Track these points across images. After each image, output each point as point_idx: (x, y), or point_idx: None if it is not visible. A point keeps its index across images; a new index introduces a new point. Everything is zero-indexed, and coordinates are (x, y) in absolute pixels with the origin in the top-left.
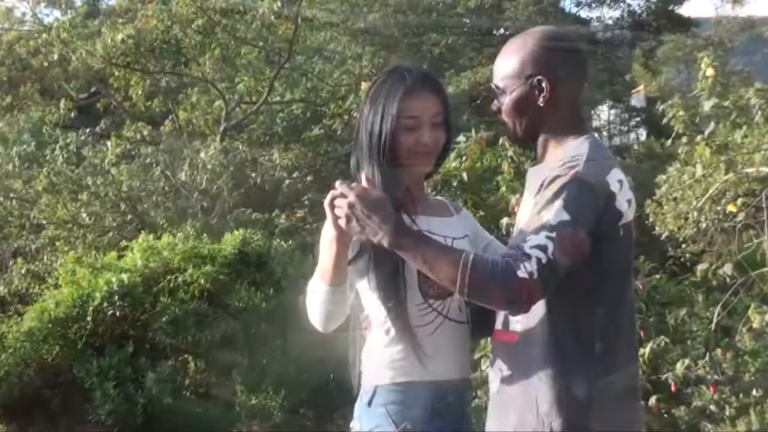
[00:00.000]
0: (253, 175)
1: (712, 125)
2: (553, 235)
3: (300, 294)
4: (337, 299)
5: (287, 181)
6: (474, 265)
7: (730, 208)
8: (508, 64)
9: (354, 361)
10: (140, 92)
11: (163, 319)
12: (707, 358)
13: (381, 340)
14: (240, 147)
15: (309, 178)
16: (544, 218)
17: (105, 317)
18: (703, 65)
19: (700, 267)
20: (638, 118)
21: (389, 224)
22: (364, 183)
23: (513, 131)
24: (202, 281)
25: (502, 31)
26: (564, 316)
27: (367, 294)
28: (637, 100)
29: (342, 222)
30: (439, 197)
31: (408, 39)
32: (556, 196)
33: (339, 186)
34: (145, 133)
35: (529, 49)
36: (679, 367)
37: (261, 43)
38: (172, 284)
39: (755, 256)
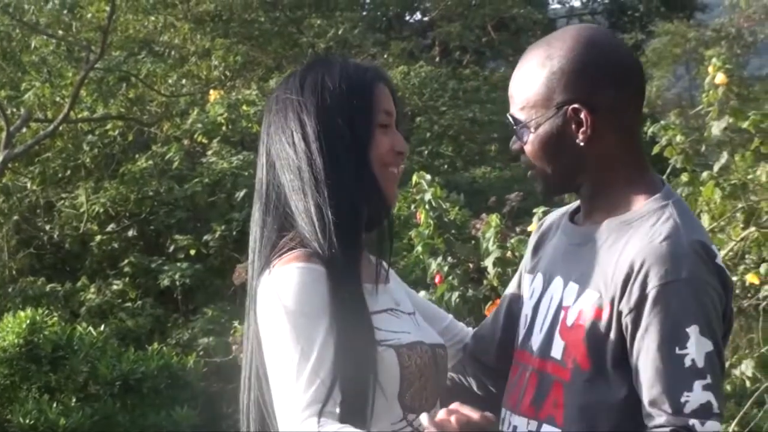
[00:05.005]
0: (48, 227)
1: (724, 157)
2: (709, 381)
3: (117, 402)
4: None
5: (99, 237)
6: None
7: (751, 278)
8: (529, 87)
9: None
10: None
11: None
12: None
13: None
14: (28, 185)
15: (131, 233)
16: (685, 356)
17: None
18: (711, 69)
19: None
20: None
21: None
22: (450, 418)
23: (543, 180)
24: None
25: (419, 16)
26: None
27: None
28: None
29: None
30: None
31: (279, 28)
32: (683, 315)
33: (432, 428)
34: None
35: (558, 65)
36: None
37: (60, 32)
38: None
39: None
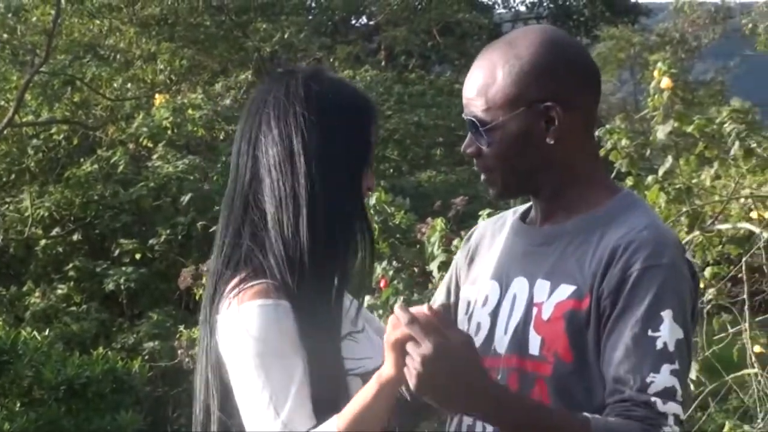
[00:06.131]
0: None
1: (668, 161)
2: (677, 366)
3: (62, 407)
4: None
5: (43, 241)
6: None
7: None
8: (495, 86)
9: None
10: None
11: None
12: None
13: None
14: None
15: (76, 237)
16: (656, 338)
17: None
18: (656, 73)
19: None
20: None
21: (486, 392)
22: (426, 313)
23: (502, 182)
24: None
25: (364, 20)
26: None
27: None
28: None
29: (411, 380)
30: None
31: (225, 32)
32: (660, 299)
33: (402, 317)
34: None
35: (529, 63)
36: None
37: (5, 35)
38: None
39: (730, 353)
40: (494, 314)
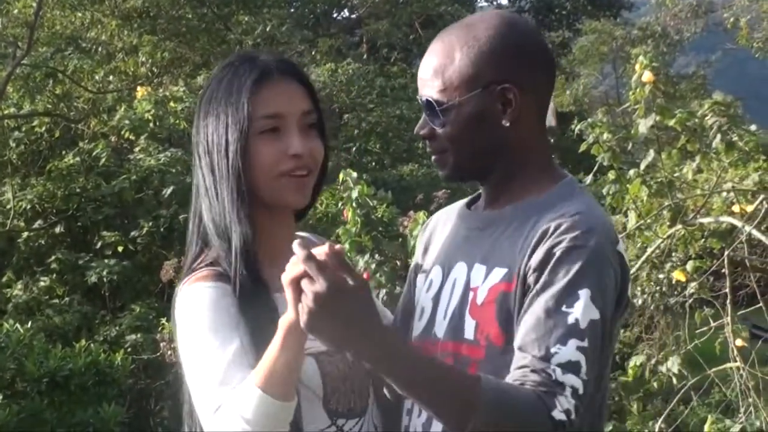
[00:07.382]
0: None
1: (650, 155)
2: (586, 344)
3: (45, 399)
4: (287, 419)
5: (25, 234)
6: (496, 405)
7: (677, 276)
8: (452, 67)
9: None
10: None
11: None
12: None
13: None
14: None
15: (59, 229)
16: (569, 314)
17: None
18: (638, 67)
19: (634, 361)
20: None
21: (377, 337)
22: (325, 252)
23: (455, 162)
24: None
25: (347, 13)
26: None
27: None
28: None
29: (302, 317)
30: (304, 234)
31: (207, 24)
32: (579, 278)
33: (299, 253)
34: None
35: (487, 44)
36: None
37: None
38: None
39: (713, 347)
40: (436, 299)
